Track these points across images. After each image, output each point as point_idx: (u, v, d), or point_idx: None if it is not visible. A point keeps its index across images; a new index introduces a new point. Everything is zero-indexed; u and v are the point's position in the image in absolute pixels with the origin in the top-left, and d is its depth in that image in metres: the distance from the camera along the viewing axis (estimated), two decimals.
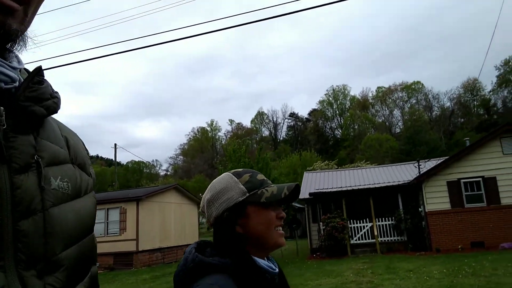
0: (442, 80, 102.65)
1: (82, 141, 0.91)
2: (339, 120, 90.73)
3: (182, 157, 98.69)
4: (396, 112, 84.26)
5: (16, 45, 0.68)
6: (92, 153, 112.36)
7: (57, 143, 0.77)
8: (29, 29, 0.69)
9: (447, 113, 72.26)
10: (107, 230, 17.78)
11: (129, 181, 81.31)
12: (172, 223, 20.31)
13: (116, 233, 17.67)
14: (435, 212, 14.56)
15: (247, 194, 1.02)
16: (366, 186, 16.75)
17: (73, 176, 0.78)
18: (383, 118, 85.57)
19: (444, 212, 14.48)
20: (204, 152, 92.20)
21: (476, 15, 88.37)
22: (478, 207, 14.27)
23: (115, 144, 30.76)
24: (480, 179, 14.38)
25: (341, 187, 17.29)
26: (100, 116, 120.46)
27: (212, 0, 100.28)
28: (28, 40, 0.71)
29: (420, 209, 15.16)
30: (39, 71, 0.71)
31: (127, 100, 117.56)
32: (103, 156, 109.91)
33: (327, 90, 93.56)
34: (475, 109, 72.94)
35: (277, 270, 1.05)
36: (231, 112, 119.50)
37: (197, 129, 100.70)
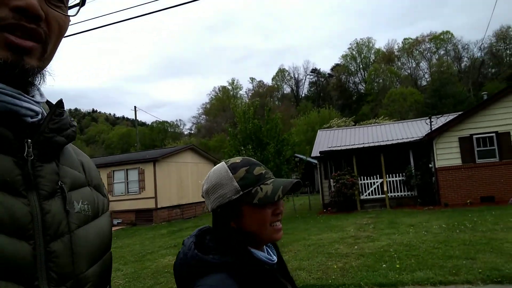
0: (473, 29, 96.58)
1: (93, 164, 0.95)
2: (362, 75, 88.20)
3: (204, 116, 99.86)
4: (423, 64, 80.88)
5: (36, 79, 0.72)
6: (118, 114, 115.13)
7: (75, 168, 0.81)
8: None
9: (477, 64, 68.64)
10: (128, 189, 18.82)
11: (155, 141, 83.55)
12: (190, 181, 21.15)
13: (136, 191, 18.68)
14: (445, 168, 14.50)
15: (241, 193, 0.99)
16: (376, 144, 16.71)
17: (92, 198, 0.83)
18: (410, 71, 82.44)
19: (455, 167, 14.40)
20: (226, 111, 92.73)
21: None
22: (490, 162, 14.08)
23: (135, 107, 31.39)
24: (494, 134, 14.06)
25: (353, 144, 17.34)
26: (124, 78, 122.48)
27: None
28: (47, 74, 0.73)
29: (430, 165, 15.11)
30: (60, 103, 0.76)
31: (149, 61, 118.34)
32: (129, 117, 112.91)
33: (350, 44, 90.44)
34: (508, 58, 68.92)
35: (275, 258, 1.07)
36: (253, 69, 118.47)
37: (219, 88, 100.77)
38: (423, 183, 15.46)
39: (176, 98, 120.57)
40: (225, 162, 1.07)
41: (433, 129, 15.04)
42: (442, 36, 77.58)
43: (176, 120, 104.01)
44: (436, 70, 72.94)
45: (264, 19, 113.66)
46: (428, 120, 15.98)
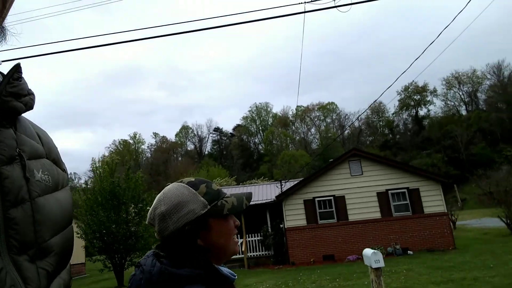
0: (355, 101, 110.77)
1: (51, 138, 0.92)
2: (262, 136, 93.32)
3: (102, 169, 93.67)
4: (314, 130, 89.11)
5: None
6: None
7: (33, 138, 0.79)
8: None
9: (355, 132, 78.04)
10: None
11: None
12: None
13: None
14: (292, 228, 15.77)
15: (208, 207, 1.00)
16: None
17: (52, 170, 0.80)
18: (302, 135, 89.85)
19: (301, 228, 15.76)
20: (125, 165, 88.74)
21: (384, 42, 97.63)
22: (330, 223, 15.76)
23: None
24: (332, 197, 15.94)
25: None
26: None
27: (137, 6, 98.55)
28: (7, 32, 0.70)
29: (281, 225, 16.31)
30: (18, 67, 0.73)
31: (42, 108, 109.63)
32: None
33: (250, 107, 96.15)
34: (381, 129, 79.99)
35: (235, 276, 1.08)
36: (157, 125, 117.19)
37: (119, 141, 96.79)
38: (276, 243, 16.51)
39: (72, 149, 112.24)
40: (180, 182, 1.07)
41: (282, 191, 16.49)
42: (328, 106, 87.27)
43: (70, 174, 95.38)
44: (323, 136, 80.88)
45: (171, 75, 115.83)
46: (279, 184, 17.53)
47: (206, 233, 1.00)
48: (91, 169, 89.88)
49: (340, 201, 15.88)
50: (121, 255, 14.72)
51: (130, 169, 16.15)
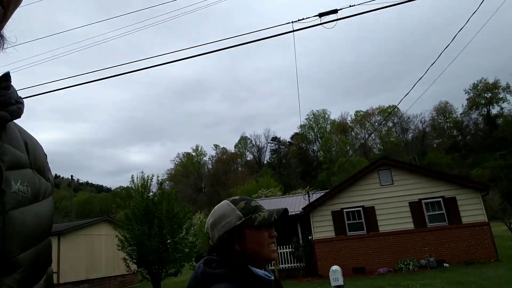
0: (416, 104, 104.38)
1: (41, 146, 0.90)
2: (320, 143, 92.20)
3: (168, 182, 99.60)
4: (375, 135, 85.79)
5: None
6: (82, 179, 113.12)
7: (18, 148, 0.77)
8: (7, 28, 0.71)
9: (420, 135, 73.66)
10: None
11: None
12: (103, 254, 21.19)
13: None
14: (321, 240, 15.60)
15: (243, 219, 1.20)
16: None
17: (32, 181, 0.78)
18: (362, 141, 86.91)
19: (329, 239, 15.53)
20: (189, 177, 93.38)
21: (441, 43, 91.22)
22: (359, 234, 15.32)
23: (71, 176, 31.72)
24: (361, 208, 15.50)
25: None
26: (90, 142, 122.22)
27: (197, 24, 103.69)
28: (5, 40, 0.71)
29: (310, 237, 16.20)
30: (6, 76, 0.73)
31: (117, 125, 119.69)
32: (93, 183, 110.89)
33: (307, 115, 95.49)
34: (448, 130, 74.51)
35: (272, 277, 1.22)
36: (220, 136, 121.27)
37: (183, 154, 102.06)
38: (307, 254, 16.41)
39: (143, 163, 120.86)
40: (227, 199, 1.31)
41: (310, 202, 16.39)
42: (388, 110, 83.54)
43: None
44: (385, 141, 77.53)
45: (231, 86, 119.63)
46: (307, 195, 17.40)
47: (242, 241, 1.20)
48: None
49: (369, 212, 15.39)
50: (158, 267, 15.71)
51: (162, 184, 17.10)
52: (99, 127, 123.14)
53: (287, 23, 8.88)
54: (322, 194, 16.54)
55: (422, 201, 14.93)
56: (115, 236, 16.48)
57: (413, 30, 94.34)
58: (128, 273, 16.63)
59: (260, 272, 1.18)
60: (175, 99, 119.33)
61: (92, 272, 20.55)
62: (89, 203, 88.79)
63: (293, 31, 8.81)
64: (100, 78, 9.47)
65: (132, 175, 19.00)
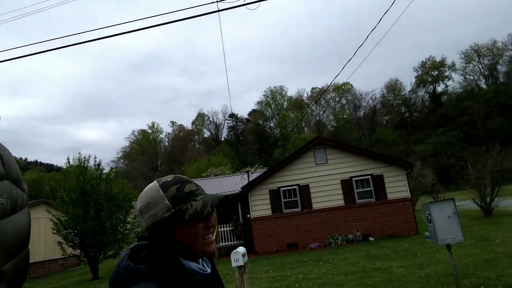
0: (369, 80, 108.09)
1: (13, 156, 0.90)
2: (277, 120, 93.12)
3: (123, 160, 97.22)
4: (329, 112, 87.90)
5: None
6: (31, 158, 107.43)
7: None
8: None
9: (370, 112, 76.38)
10: None
11: None
12: (42, 238, 20.59)
13: None
14: (258, 218, 16.08)
15: (172, 211, 1.04)
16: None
17: (10, 192, 0.78)
18: (318, 117, 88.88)
19: (266, 217, 16.04)
20: (144, 155, 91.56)
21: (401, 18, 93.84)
22: (294, 212, 15.94)
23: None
24: (297, 186, 16.07)
25: None
26: (38, 118, 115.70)
27: None
28: None
29: (248, 215, 16.66)
30: None
31: (68, 100, 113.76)
32: (42, 162, 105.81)
33: (265, 91, 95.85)
34: (397, 107, 77.85)
35: (208, 270, 1.11)
36: (176, 112, 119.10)
37: (138, 131, 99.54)
38: (245, 232, 16.89)
39: (96, 140, 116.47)
40: (157, 181, 1.12)
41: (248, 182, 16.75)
42: (343, 87, 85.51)
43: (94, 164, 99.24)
44: (338, 118, 79.78)
45: (188, 61, 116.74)
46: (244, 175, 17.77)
47: (172, 234, 1.05)
48: (117, 158, 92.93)
49: (304, 190, 15.99)
50: (95, 249, 15.56)
51: (99, 165, 16.72)
52: (48, 102, 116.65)
53: (211, 3, 8.78)
54: (260, 173, 16.91)
55: (353, 178, 15.72)
56: (49, 219, 16.04)
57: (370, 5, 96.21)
58: (70, 255, 16.29)
59: (195, 266, 1.07)
60: (130, 73, 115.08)
61: (31, 256, 19.95)
62: (38, 183, 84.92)
63: (218, 11, 8.74)
64: (47, 49, 8.92)
65: (68, 156, 18.38)
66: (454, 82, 74.01)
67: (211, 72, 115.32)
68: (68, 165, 16.67)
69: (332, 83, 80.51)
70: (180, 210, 1.03)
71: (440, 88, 73.24)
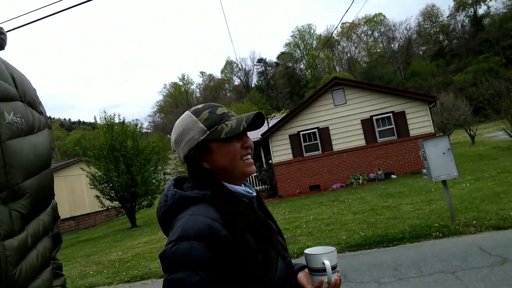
0: (404, 8, 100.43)
1: (29, 80, 0.88)
2: (306, 61, 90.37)
3: (159, 114, 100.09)
4: (362, 46, 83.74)
5: None
6: (74, 118, 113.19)
7: (5, 80, 0.76)
8: None
9: (405, 43, 72.00)
10: None
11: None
12: (85, 193, 22.29)
13: None
14: (280, 163, 16.37)
15: (208, 132, 1.04)
16: None
17: (26, 113, 0.78)
18: (350, 54, 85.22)
19: (287, 162, 16.29)
20: (178, 107, 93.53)
21: None
22: (315, 155, 16.04)
23: (50, 117, 31.86)
24: (316, 130, 16.01)
25: None
26: (75, 81, 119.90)
27: None
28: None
29: (270, 161, 16.98)
30: None
31: (98, 62, 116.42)
32: (85, 121, 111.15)
33: (292, 32, 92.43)
34: (435, 36, 72.69)
35: (254, 193, 1.11)
36: (202, 63, 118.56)
37: (170, 85, 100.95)
38: (269, 177, 17.36)
39: (132, 97, 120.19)
40: (189, 110, 1.12)
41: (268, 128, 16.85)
42: (375, 19, 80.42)
43: (133, 120, 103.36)
44: (370, 53, 76.02)
45: (208, 11, 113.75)
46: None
47: (209, 157, 1.05)
48: (152, 112, 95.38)
49: (324, 132, 15.92)
50: (130, 201, 16.71)
51: (124, 123, 17.36)
52: (80, 64, 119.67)
53: None
54: (279, 119, 16.92)
55: (373, 117, 15.38)
56: (86, 176, 17.23)
57: None
58: (108, 208, 17.68)
59: (240, 189, 1.07)
60: (159, 25, 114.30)
61: (76, 210, 21.84)
62: (84, 141, 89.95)
63: None
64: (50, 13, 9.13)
65: (94, 116, 19.17)
66: (497, 2, 67.14)
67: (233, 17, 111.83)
68: (96, 123, 17.50)
69: (364, 15, 75.88)
70: (215, 131, 1.03)
71: (481, 10, 67.01)
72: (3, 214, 0.67)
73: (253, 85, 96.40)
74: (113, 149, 16.33)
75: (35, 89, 0.89)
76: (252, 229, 0.98)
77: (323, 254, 1.03)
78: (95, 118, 17.55)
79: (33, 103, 0.84)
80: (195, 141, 1.04)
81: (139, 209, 17.23)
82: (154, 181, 17.68)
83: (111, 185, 16.39)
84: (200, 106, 1.11)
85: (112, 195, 16.62)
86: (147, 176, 16.85)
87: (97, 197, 16.82)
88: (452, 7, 69.79)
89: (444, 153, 5.77)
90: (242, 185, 1.11)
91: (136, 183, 16.28)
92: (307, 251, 1.09)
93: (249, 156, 1.08)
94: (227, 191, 1.02)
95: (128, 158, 16.48)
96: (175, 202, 0.99)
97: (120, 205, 16.98)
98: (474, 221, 5.71)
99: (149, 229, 13.95)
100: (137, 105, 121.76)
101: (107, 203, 16.98)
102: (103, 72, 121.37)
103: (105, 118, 17.16)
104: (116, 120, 17.38)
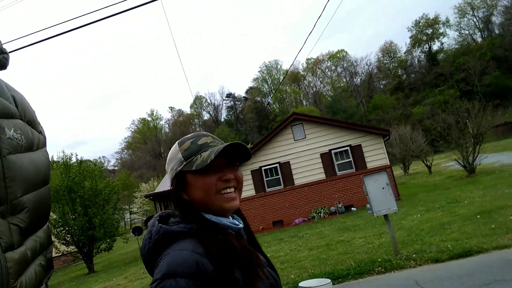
0: (364, 45, 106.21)
1: (28, 101, 0.90)
2: (273, 95, 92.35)
3: (126, 150, 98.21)
4: (325, 82, 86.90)
5: None
6: None
7: (6, 99, 0.77)
8: None
9: (366, 78, 75.49)
10: None
11: None
12: None
13: None
14: (242, 199, 16.28)
15: (184, 163, 1.01)
16: None
17: (25, 130, 0.80)
18: (315, 88, 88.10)
19: (250, 198, 16.25)
20: (147, 143, 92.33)
21: None
22: (277, 190, 16.12)
23: None
24: (277, 164, 16.18)
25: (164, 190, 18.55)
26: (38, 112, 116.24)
27: None
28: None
29: None
30: None
31: (68, 92, 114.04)
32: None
33: (260, 67, 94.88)
34: (394, 70, 76.77)
35: (240, 225, 1.06)
36: (172, 100, 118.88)
37: (138, 120, 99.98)
38: None
39: (99, 134, 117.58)
40: (179, 140, 1.10)
41: None
42: (338, 55, 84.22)
43: (99, 158, 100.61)
44: (335, 87, 78.97)
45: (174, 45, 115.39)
46: None
47: (187, 188, 1.02)
48: (120, 149, 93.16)
49: (285, 167, 16.11)
50: (87, 245, 15.97)
51: (82, 162, 16.93)
52: (49, 94, 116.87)
53: None
54: None
55: (332, 151, 15.77)
56: None
57: None
58: (63, 253, 16.76)
59: (225, 220, 1.02)
60: (126, 61, 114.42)
61: None
62: None
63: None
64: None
65: (52, 155, 18.56)
66: (449, 39, 72.58)
67: (203, 53, 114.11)
68: (52, 163, 16.92)
69: (328, 51, 79.17)
70: (190, 162, 1.00)
71: (435, 46, 71.91)
72: (3, 227, 0.68)
73: (222, 120, 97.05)
74: (70, 190, 15.77)
75: (33, 110, 0.92)
76: (239, 264, 0.93)
77: (318, 287, 1.04)
78: (52, 158, 16.98)
79: (33, 122, 0.87)
80: (174, 172, 1.03)
81: (97, 253, 16.49)
82: (114, 222, 17.09)
83: (67, 228, 15.69)
84: (189, 135, 1.10)
85: (68, 239, 15.88)
86: (105, 217, 16.28)
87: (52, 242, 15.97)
88: (409, 44, 74.35)
89: (383, 188, 5.96)
90: (230, 217, 1.07)
91: (94, 226, 15.67)
92: (301, 284, 1.09)
93: (229, 190, 1.02)
94: (211, 223, 0.98)
95: (85, 199, 15.95)
96: (160, 238, 0.95)
97: (77, 249, 16.19)
98: (414, 254, 5.85)
99: (105, 275, 13.31)
100: (105, 141, 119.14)
101: (63, 248, 16.16)
102: (70, 108, 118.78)
103: (62, 158, 16.69)
104: (74, 160, 16.92)
